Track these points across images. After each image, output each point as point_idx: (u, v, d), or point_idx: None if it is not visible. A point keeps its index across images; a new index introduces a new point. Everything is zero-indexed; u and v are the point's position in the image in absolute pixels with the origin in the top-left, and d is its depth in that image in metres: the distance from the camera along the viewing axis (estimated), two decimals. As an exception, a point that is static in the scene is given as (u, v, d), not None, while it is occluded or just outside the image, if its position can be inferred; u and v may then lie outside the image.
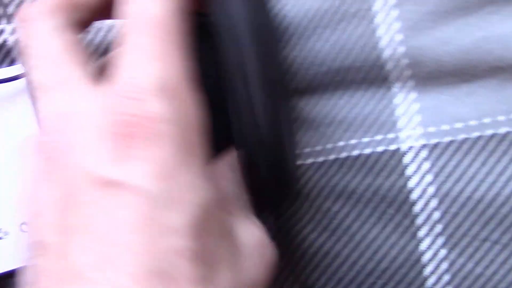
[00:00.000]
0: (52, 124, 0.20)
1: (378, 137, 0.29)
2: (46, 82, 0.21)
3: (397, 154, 0.29)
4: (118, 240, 0.17)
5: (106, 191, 0.18)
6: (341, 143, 0.29)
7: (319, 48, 0.30)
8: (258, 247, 0.21)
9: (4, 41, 0.31)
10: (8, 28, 0.32)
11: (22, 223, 0.30)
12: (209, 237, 0.19)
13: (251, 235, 0.22)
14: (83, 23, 0.24)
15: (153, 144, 0.18)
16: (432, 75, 0.29)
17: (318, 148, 0.30)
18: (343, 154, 0.29)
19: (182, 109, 0.19)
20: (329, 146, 0.30)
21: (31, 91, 0.22)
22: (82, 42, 0.23)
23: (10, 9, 0.32)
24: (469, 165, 0.28)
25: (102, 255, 0.17)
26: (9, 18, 0.32)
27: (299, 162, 0.30)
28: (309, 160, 0.30)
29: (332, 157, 0.30)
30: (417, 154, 0.29)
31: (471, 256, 0.28)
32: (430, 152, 0.29)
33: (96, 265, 0.17)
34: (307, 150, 0.30)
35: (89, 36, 0.32)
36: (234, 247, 0.20)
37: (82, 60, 0.22)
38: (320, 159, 0.30)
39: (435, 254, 0.28)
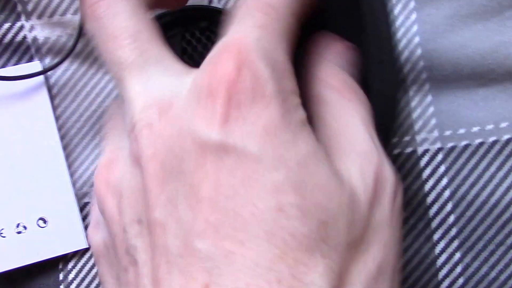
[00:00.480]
0: (148, 101, 0.20)
1: (394, 140, 0.29)
2: (138, 61, 0.20)
3: (413, 157, 0.29)
4: (223, 206, 0.17)
5: (208, 156, 0.18)
6: None
7: None
8: (372, 187, 0.20)
9: (24, 37, 0.32)
10: (27, 25, 0.32)
11: (40, 218, 0.31)
12: (315, 191, 0.18)
13: (362, 177, 0.20)
14: (151, 5, 0.23)
15: (254, 104, 0.18)
16: (449, 78, 0.29)
17: None
18: None
19: (281, 74, 0.19)
20: None
21: (117, 73, 0.21)
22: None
23: (30, 6, 0.32)
24: (485, 169, 0.28)
25: (209, 223, 0.17)
26: (28, 15, 0.32)
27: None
28: None
29: None
30: (433, 157, 0.29)
31: (485, 260, 0.28)
32: (446, 155, 0.29)
33: (205, 233, 0.17)
34: None
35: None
36: (350, 197, 0.19)
37: (164, 40, 0.22)
38: None
39: (449, 258, 0.28)
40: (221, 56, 0.19)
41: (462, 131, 0.28)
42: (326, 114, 0.22)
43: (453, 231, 0.28)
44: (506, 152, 0.28)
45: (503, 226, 0.27)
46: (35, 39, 0.32)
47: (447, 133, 0.29)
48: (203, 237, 0.17)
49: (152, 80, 0.20)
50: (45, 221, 0.30)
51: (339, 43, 0.24)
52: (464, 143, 0.28)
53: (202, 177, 0.18)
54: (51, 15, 0.32)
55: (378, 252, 0.19)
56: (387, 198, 0.20)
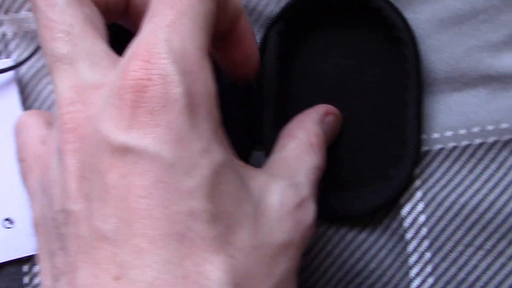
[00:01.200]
0: (73, 96, 0.20)
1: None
2: (68, 54, 0.21)
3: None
4: (136, 206, 0.18)
5: (123, 158, 0.18)
6: None
7: None
8: (290, 209, 0.22)
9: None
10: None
11: (6, 219, 0.30)
12: (225, 199, 0.19)
13: (281, 197, 0.22)
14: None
15: (166, 109, 0.18)
16: (424, 83, 0.29)
17: None
18: None
19: (193, 76, 0.19)
20: None
21: (50, 64, 0.21)
22: (100, 14, 0.22)
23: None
24: (457, 172, 0.29)
25: (122, 220, 0.18)
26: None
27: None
28: None
29: None
30: (407, 159, 0.29)
31: (454, 261, 0.29)
32: (421, 159, 0.29)
33: (117, 229, 0.18)
34: None
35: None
36: (256, 209, 0.21)
37: (103, 32, 0.22)
38: None
39: (420, 257, 0.29)
40: (131, 59, 0.19)
41: (436, 135, 0.29)
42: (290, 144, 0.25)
43: (424, 230, 0.29)
44: (477, 155, 0.29)
45: (471, 227, 0.28)
46: (3, 34, 0.31)
47: (423, 137, 0.29)
48: (115, 234, 0.18)
49: (80, 75, 0.20)
50: (11, 222, 0.30)
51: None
52: (438, 147, 0.29)
53: (115, 178, 0.18)
54: (17, 10, 0.31)
55: (287, 261, 0.21)
56: (299, 235, 0.22)
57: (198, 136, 0.19)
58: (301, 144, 0.25)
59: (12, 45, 0.31)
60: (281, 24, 0.28)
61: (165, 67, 0.19)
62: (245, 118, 0.28)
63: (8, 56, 0.32)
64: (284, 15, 0.28)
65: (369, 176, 0.29)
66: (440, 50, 0.29)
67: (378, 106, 0.29)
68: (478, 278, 0.28)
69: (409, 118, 0.28)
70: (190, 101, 0.19)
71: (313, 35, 0.29)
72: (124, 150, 0.18)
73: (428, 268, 0.29)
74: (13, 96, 0.31)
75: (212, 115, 0.20)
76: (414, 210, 0.29)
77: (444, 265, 0.29)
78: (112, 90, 0.19)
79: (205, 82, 0.20)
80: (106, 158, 0.19)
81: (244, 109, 0.28)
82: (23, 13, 0.31)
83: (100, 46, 0.21)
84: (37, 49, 0.31)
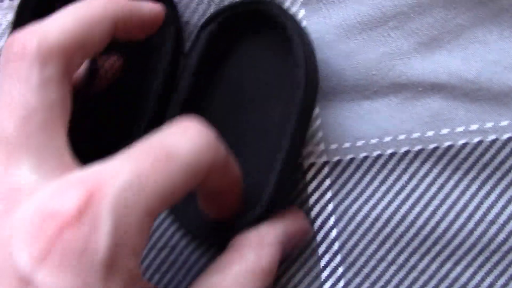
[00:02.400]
0: (3, 193, 0.19)
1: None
2: (12, 140, 0.19)
3: (299, 170, 0.28)
4: None
5: None
6: None
7: None
8: None
9: None
10: None
11: None
12: None
13: None
14: (74, 68, 0.21)
15: (82, 257, 0.17)
16: (335, 90, 0.28)
17: None
18: None
19: (128, 233, 0.18)
20: None
21: None
22: (70, 98, 0.20)
23: None
24: (369, 183, 0.28)
25: None
26: None
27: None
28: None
29: None
30: (319, 171, 0.28)
31: (367, 276, 0.27)
32: (332, 169, 0.28)
33: None
34: None
35: None
36: None
37: (65, 121, 0.20)
38: None
39: (333, 272, 0.28)
40: (71, 187, 0.18)
41: (347, 144, 0.28)
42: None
43: (336, 245, 0.28)
44: (389, 166, 0.28)
45: (384, 242, 0.27)
46: None
47: (333, 146, 0.28)
48: None
49: (15, 169, 0.19)
50: None
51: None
52: (349, 156, 0.28)
53: None
54: None
55: None
56: None
57: None
58: (246, 270, 0.23)
59: None
60: (214, 25, 0.27)
61: (102, 214, 0.17)
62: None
63: None
64: (217, 17, 0.27)
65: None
66: (350, 56, 0.28)
67: (266, 120, 0.27)
68: (389, 294, 0.27)
69: (287, 131, 0.25)
70: (112, 256, 0.17)
71: (239, 41, 0.28)
72: (28, 283, 0.17)
73: (341, 283, 0.27)
74: None
75: (131, 272, 0.18)
76: (326, 225, 0.28)
77: (357, 280, 0.27)
78: (38, 209, 0.18)
79: (137, 240, 0.18)
80: (11, 280, 0.17)
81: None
82: None
83: (57, 144, 0.19)
84: None
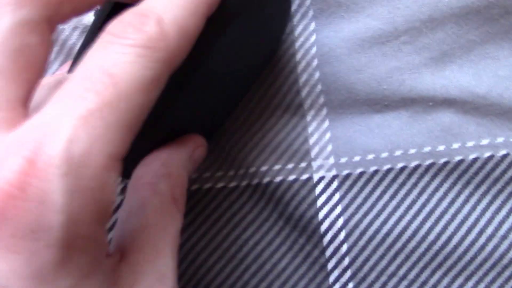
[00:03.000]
0: None
1: (290, 166, 0.28)
2: None
3: (308, 184, 0.28)
4: None
5: None
6: (253, 169, 0.28)
7: None
8: None
9: None
10: None
11: None
12: None
13: None
14: (59, 18, 0.18)
15: (33, 237, 0.15)
16: (345, 103, 0.28)
17: (231, 173, 0.28)
18: (255, 181, 0.28)
19: (87, 195, 0.15)
20: (241, 171, 0.28)
21: None
22: (44, 46, 0.17)
23: None
24: (379, 198, 0.27)
25: None
26: None
27: (208, 185, 0.28)
28: (220, 184, 0.28)
29: (244, 183, 0.28)
30: (328, 184, 0.28)
31: (377, 292, 0.27)
32: (341, 183, 0.28)
33: None
34: (219, 173, 0.28)
35: (63, 35, 0.29)
36: None
37: (32, 74, 0.17)
38: (232, 184, 0.28)
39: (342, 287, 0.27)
40: (9, 156, 0.15)
41: (357, 158, 0.28)
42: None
43: (346, 260, 0.27)
44: (399, 180, 0.27)
45: (395, 257, 0.27)
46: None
47: (343, 160, 0.28)
48: None
49: None
50: None
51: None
52: (359, 170, 0.28)
53: None
54: None
55: None
56: None
57: (66, 272, 0.15)
58: (163, 202, 0.20)
59: None
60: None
61: (49, 183, 0.14)
62: None
63: None
64: None
65: None
66: (360, 70, 0.28)
67: None
68: (400, 310, 0.27)
69: None
70: (69, 232, 0.15)
71: None
72: None
73: (351, 300, 0.27)
74: None
75: (95, 244, 0.16)
76: (336, 239, 0.27)
77: (367, 296, 0.27)
78: None
79: (100, 203, 0.15)
80: None
81: None
82: None
83: (9, 94, 0.16)
84: None
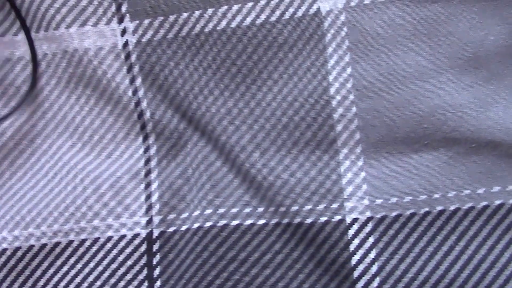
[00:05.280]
0: None
1: (321, 206, 0.26)
2: None
3: (341, 226, 0.26)
4: None
5: None
6: (283, 209, 0.26)
7: (268, 101, 0.27)
8: None
9: None
10: None
11: None
12: None
13: None
14: None
15: None
16: (382, 141, 0.26)
17: (260, 209, 0.26)
18: (285, 220, 0.26)
19: None
20: (271, 209, 0.26)
21: None
22: None
23: None
24: (415, 243, 0.26)
25: None
26: None
27: (236, 221, 0.26)
28: (248, 222, 0.26)
29: (274, 221, 0.26)
30: (362, 227, 0.26)
31: None
32: (376, 226, 0.26)
33: None
34: (248, 209, 0.26)
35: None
36: None
37: None
38: (261, 221, 0.26)
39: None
40: None
41: (393, 200, 0.26)
42: None
43: (380, 309, 0.26)
44: (437, 224, 0.26)
45: (432, 306, 0.26)
46: None
47: (378, 201, 0.26)
48: None
49: None
50: None
51: None
52: (395, 213, 0.26)
53: None
54: None
55: None
56: None
57: None
58: None
59: None
60: None
61: None
62: None
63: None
64: None
65: None
66: (401, 107, 0.26)
67: None
68: None
69: None
70: None
71: None
72: None
73: None
74: None
75: None
76: (369, 287, 0.26)
77: None
78: None
79: None
80: None
81: None
82: None
83: None
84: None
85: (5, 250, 0.27)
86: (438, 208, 0.26)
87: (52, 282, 0.27)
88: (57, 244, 0.27)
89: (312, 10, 0.26)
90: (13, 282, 0.27)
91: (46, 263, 0.27)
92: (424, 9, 0.26)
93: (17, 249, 0.27)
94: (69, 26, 0.27)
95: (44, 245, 0.27)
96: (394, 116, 0.26)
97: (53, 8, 0.27)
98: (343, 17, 0.26)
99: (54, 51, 0.27)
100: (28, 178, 0.28)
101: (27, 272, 0.27)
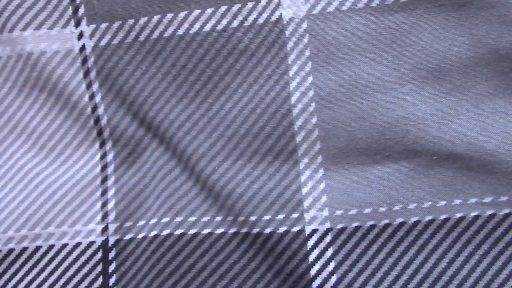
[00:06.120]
0: None
1: (281, 216, 0.26)
2: None
3: (300, 237, 0.26)
4: None
5: None
6: (241, 218, 0.26)
7: (228, 109, 0.26)
8: None
9: None
10: None
11: None
12: None
13: None
14: None
15: None
16: (343, 152, 0.26)
17: (218, 218, 0.26)
18: (244, 230, 0.26)
19: None
20: (229, 218, 0.26)
21: None
22: None
23: None
24: (375, 255, 0.26)
25: None
26: None
27: (194, 230, 0.26)
28: (206, 230, 0.26)
29: (232, 230, 0.26)
30: (321, 238, 0.26)
31: None
32: (335, 237, 0.26)
33: None
34: (205, 218, 0.26)
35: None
36: None
37: None
38: (219, 230, 0.26)
39: None
40: None
41: (353, 211, 0.26)
42: None
43: (338, 322, 0.25)
44: (397, 236, 0.26)
45: (390, 320, 0.25)
46: None
47: (338, 212, 0.26)
48: None
49: None
50: None
51: None
52: (355, 224, 0.26)
53: None
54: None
55: None
56: None
57: None
58: None
59: None
60: None
61: None
62: None
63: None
64: None
65: None
66: (362, 117, 0.26)
67: None
68: None
69: None
70: None
71: None
72: None
73: None
74: None
75: None
76: (327, 297, 0.25)
77: None
78: None
79: None
80: None
81: None
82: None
83: None
84: None
85: None
86: (398, 220, 0.26)
87: None
88: (11, 250, 0.26)
89: (274, 17, 0.26)
90: None
91: None
92: (387, 19, 0.26)
93: None
94: (24, 28, 0.26)
95: None
96: (355, 127, 0.26)
97: (8, 10, 0.26)
98: (305, 25, 0.26)
99: (9, 54, 0.27)
100: None
101: None
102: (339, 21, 0.26)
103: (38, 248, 0.26)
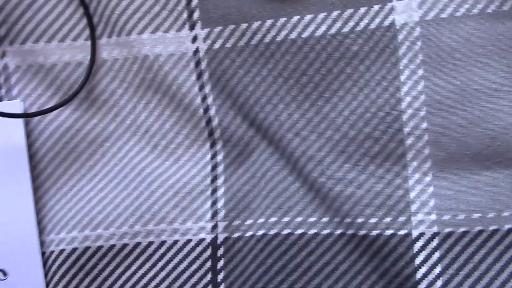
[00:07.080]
0: None
1: (388, 219, 0.26)
2: None
3: (406, 240, 0.26)
4: None
5: None
6: (348, 220, 0.26)
7: (338, 112, 0.26)
8: None
9: None
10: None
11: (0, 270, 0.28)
12: None
13: None
14: None
15: None
16: (452, 157, 0.26)
17: (325, 219, 0.27)
18: (350, 231, 0.26)
19: None
20: (336, 219, 0.26)
21: None
22: None
23: (2, 31, 0.28)
24: (482, 260, 0.26)
25: None
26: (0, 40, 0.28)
27: (301, 230, 0.26)
28: (313, 231, 0.27)
29: (338, 231, 0.26)
30: (428, 242, 0.26)
31: None
32: (442, 241, 0.26)
33: None
34: (312, 219, 0.27)
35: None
36: None
37: None
38: (325, 231, 0.27)
39: None
40: None
41: (461, 216, 0.26)
42: None
43: (443, 324, 0.26)
44: (505, 242, 0.26)
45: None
46: (5, 66, 0.28)
47: (446, 217, 0.26)
48: None
49: None
50: (5, 273, 0.28)
51: None
52: (462, 229, 0.26)
53: None
54: (24, 41, 0.28)
55: None
56: None
57: None
58: None
59: (13, 79, 0.28)
60: None
61: None
62: None
63: (9, 90, 0.28)
64: None
65: None
66: (474, 123, 0.26)
67: None
68: None
69: None
70: None
71: None
72: None
73: None
74: (19, 142, 0.28)
75: None
76: (432, 299, 0.26)
77: None
78: None
79: None
80: None
81: None
82: (29, 45, 0.28)
83: None
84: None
85: (75, 249, 0.27)
86: (507, 226, 0.26)
87: (119, 282, 0.27)
88: (124, 245, 0.27)
89: (387, 23, 0.26)
90: (82, 280, 0.27)
91: (114, 264, 0.27)
92: (502, 25, 0.25)
93: (87, 248, 0.27)
94: (141, 32, 0.27)
95: (113, 246, 0.27)
96: (466, 133, 0.26)
97: (126, 14, 0.27)
98: (418, 30, 0.26)
99: (125, 56, 0.28)
100: (97, 181, 0.28)
101: (95, 271, 0.27)
102: (453, 27, 0.26)
103: (150, 243, 0.27)
